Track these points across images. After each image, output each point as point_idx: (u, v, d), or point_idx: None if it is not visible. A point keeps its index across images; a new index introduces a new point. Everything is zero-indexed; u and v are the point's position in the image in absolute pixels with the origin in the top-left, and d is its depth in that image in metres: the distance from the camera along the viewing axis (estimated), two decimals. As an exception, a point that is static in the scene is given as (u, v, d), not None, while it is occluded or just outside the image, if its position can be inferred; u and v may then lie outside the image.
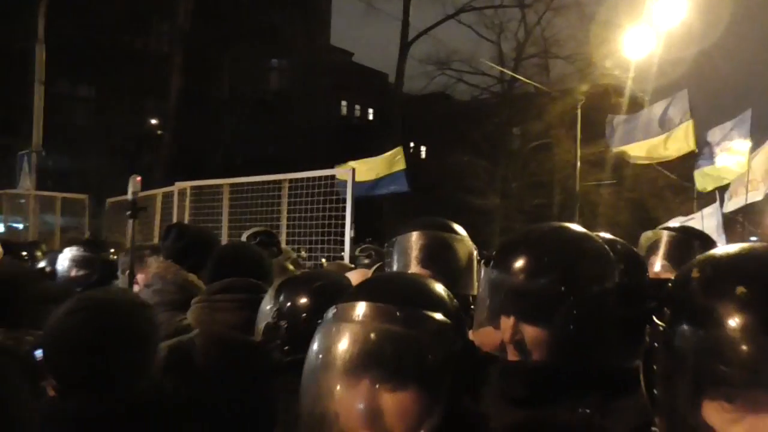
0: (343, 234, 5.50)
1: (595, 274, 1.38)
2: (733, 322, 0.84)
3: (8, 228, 9.31)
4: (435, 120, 26.87)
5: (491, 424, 1.28)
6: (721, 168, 7.39)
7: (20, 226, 9.02)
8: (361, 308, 1.10)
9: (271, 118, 25.42)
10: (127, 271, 3.10)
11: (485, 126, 25.15)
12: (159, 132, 20.94)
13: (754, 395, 0.83)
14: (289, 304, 1.82)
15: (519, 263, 1.38)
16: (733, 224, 9.64)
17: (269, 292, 2.02)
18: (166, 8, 20.88)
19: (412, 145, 30.77)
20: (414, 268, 2.07)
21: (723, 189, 7.56)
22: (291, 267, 2.57)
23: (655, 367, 0.93)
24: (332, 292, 1.46)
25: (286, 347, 1.79)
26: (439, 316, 1.10)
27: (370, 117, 32.74)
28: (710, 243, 2.49)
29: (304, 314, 1.77)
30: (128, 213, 2.91)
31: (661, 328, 0.92)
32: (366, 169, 6.58)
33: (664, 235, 2.50)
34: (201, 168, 17.25)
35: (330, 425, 1.08)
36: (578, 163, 20.03)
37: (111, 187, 12.14)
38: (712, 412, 0.86)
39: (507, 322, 1.37)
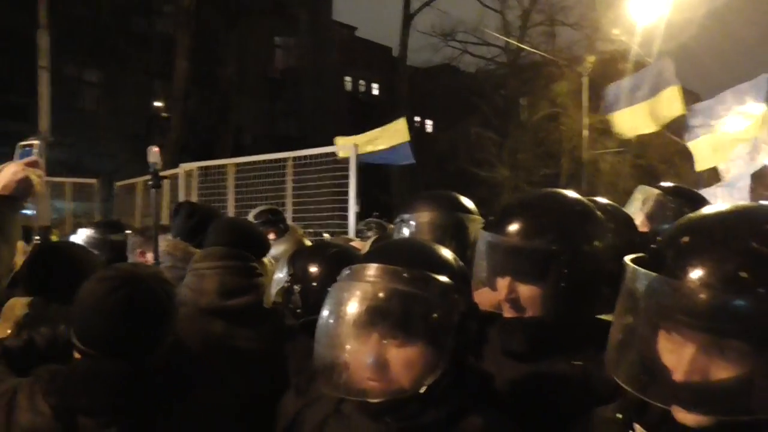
0: (347, 209, 5.58)
1: (585, 234, 1.46)
2: (676, 267, 0.93)
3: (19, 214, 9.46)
4: (441, 93, 26.65)
5: (493, 379, 1.36)
6: (723, 135, 7.25)
7: (29, 212, 9.18)
8: (372, 269, 1.19)
9: (278, 96, 25.40)
10: (138, 251, 3.20)
11: (492, 97, 24.93)
12: (165, 115, 21.03)
13: (684, 330, 0.93)
14: (302, 270, 1.94)
15: (513, 226, 1.46)
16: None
17: (282, 261, 2.14)
18: (169, -11, 20.82)
19: (418, 118, 30.61)
20: None
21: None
22: (308, 242, 2.67)
23: (619, 307, 1.03)
24: (344, 259, 1.56)
25: (299, 310, 1.92)
26: (444, 277, 1.19)
27: (375, 92, 32.54)
28: (699, 203, 2.55)
29: (317, 279, 1.89)
30: (150, 183, 2.95)
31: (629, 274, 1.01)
32: (366, 141, 6.56)
33: (654, 193, 2.60)
34: (211, 149, 17.36)
35: (342, 374, 1.18)
36: (585, 132, 19.88)
37: (122, 171, 12.31)
38: (660, 344, 0.96)
39: (503, 282, 1.45)
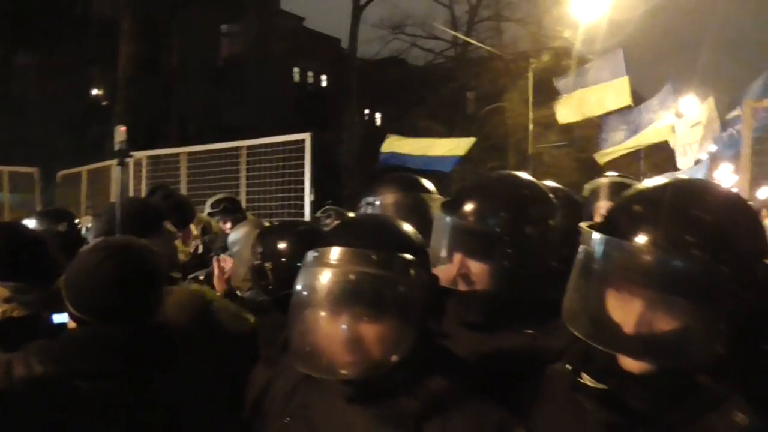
0: (302, 198, 5.61)
1: (530, 216, 1.56)
2: (627, 231, 1.05)
3: None
4: (390, 85, 26.78)
5: (451, 346, 1.45)
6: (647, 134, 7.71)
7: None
8: (339, 252, 1.23)
9: (223, 85, 24.85)
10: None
11: (440, 90, 25.25)
12: (104, 103, 20.25)
13: (632, 287, 1.05)
14: (272, 247, 1.98)
15: (464, 207, 1.56)
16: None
17: (247, 240, 2.16)
18: (107, -29, 20.02)
19: (367, 111, 30.67)
20: None
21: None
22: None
23: (576, 267, 1.14)
24: (312, 236, 1.61)
25: (271, 287, 1.96)
26: (408, 255, 1.24)
27: (324, 83, 32.36)
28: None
29: (287, 256, 1.94)
30: (117, 162, 3.02)
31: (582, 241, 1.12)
32: (423, 146, 6.88)
33: (605, 182, 2.77)
34: (154, 138, 16.83)
35: (317, 353, 1.23)
36: (531, 126, 20.44)
37: (59, 160, 11.77)
38: (610, 300, 1.08)
39: (455, 258, 1.56)
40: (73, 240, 3.47)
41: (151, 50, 18.82)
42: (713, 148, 7.20)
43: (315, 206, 5.65)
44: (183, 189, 6.50)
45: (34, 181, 9.38)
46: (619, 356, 1.08)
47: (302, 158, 5.75)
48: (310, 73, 32.18)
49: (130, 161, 7.03)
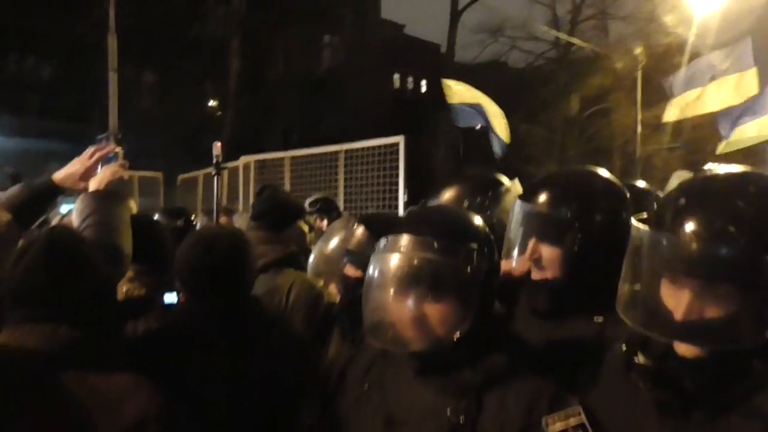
0: (397, 199, 5.80)
1: (602, 206, 1.63)
2: (674, 225, 1.11)
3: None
4: (489, 89, 26.42)
5: (522, 335, 1.56)
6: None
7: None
8: (406, 240, 1.38)
9: (324, 95, 25.81)
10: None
11: (541, 93, 24.65)
12: (217, 114, 21.77)
13: (681, 278, 1.10)
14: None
15: (540, 195, 1.66)
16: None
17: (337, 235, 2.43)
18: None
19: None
20: None
21: None
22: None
23: (627, 261, 1.20)
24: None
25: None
26: (469, 243, 1.37)
27: (423, 89, 32.62)
28: None
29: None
30: (213, 173, 3.51)
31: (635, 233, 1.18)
32: (469, 92, 6.60)
33: (685, 175, 2.70)
34: (259, 147, 17.87)
35: (388, 331, 1.38)
36: (639, 128, 19.44)
37: (179, 166, 12.87)
38: (663, 290, 1.14)
39: (529, 244, 1.65)
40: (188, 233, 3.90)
41: (256, 65, 20.03)
42: None
43: (408, 207, 5.80)
44: (287, 190, 6.92)
45: (158, 184, 10.38)
46: (674, 342, 1.14)
47: (397, 161, 5.96)
48: (409, 79, 32.57)
49: (240, 164, 7.62)
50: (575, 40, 24.48)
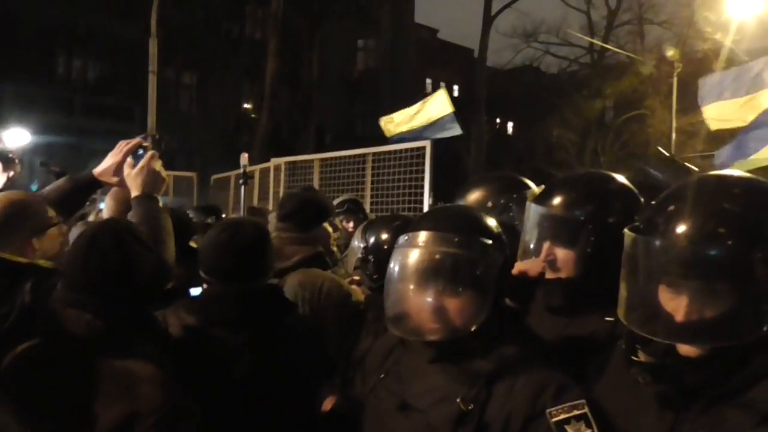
0: (422, 202, 5.90)
1: (615, 208, 1.67)
2: (666, 230, 1.16)
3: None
4: (522, 94, 26.36)
5: (537, 330, 1.64)
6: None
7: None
8: (425, 235, 1.47)
9: (358, 97, 26.06)
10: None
11: (574, 98, 24.40)
12: (253, 116, 22.18)
13: (678, 280, 1.15)
14: (373, 241, 2.28)
15: (554, 197, 1.71)
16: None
17: (358, 232, 2.52)
18: (259, -4, 21.95)
19: (498, 120, 30.37)
20: None
21: None
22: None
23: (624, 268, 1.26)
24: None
25: (375, 276, 2.25)
26: (485, 239, 1.46)
27: (456, 93, 32.59)
28: None
29: (386, 248, 2.19)
30: (240, 181, 3.67)
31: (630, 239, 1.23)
32: (407, 118, 6.70)
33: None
34: (293, 147, 18.18)
35: (408, 321, 1.48)
36: (674, 135, 19.08)
37: (213, 165, 13.21)
38: (661, 294, 1.19)
39: (544, 246, 1.71)
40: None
41: (293, 66, 20.35)
42: None
43: (436, 209, 5.87)
44: (316, 192, 7.07)
45: (192, 184, 10.66)
46: (677, 344, 1.19)
47: (423, 164, 6.06)
48: (442, 83, 32.55)
49: (271, 166, 7.82)
50: (610, 46, 24.18)
